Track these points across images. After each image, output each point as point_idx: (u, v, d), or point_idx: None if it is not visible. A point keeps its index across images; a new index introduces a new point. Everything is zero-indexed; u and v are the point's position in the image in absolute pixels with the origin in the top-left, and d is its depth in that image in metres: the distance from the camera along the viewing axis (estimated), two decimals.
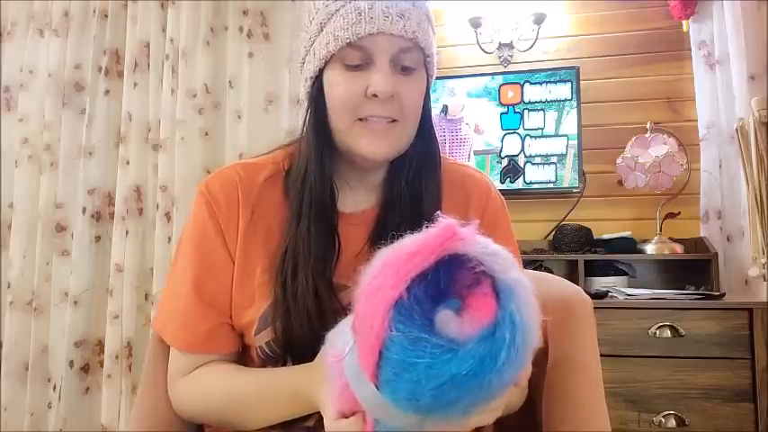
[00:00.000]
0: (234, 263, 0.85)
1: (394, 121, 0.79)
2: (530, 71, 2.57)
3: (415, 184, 0.85)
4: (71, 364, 2.44)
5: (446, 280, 0.54)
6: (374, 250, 0.78)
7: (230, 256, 0.85)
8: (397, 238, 0.79)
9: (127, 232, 2.43)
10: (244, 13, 2.45)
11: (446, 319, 0.52)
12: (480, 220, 0.80)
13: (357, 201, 0.89)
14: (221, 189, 0.86)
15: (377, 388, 0.54)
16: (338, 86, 0.79)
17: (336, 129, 0.81)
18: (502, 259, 0.54)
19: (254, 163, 0.90)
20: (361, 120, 0.79)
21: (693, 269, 2.32)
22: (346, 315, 0.74)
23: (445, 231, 0.53)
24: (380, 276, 0.54)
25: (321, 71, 0.81)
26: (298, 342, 0.79)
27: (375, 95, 0.77)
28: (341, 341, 0.62)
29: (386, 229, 0.81)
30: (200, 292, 0.84)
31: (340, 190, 0.87)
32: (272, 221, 0.85)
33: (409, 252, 0.53)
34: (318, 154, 0.82)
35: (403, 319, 0.52)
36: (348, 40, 0.76)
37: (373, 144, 0.79)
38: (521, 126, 2.54)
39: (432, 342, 0.50)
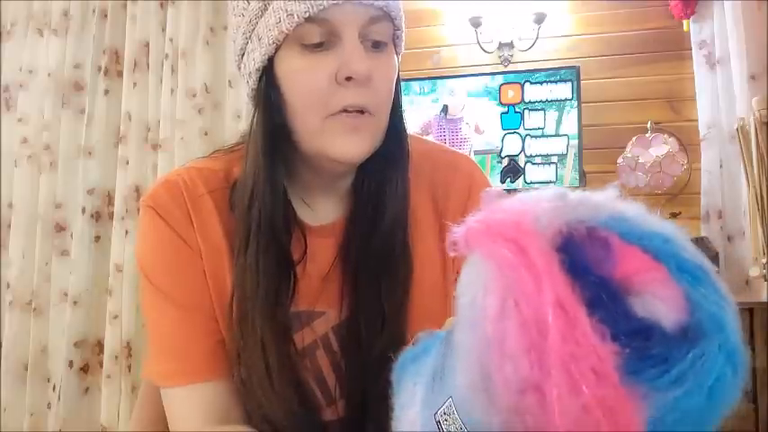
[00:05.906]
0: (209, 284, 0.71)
1: (362, 112, 0.65)
2: (530, 71, 2.57)
3: (380, 188, 0.72)
4: (70, 364, 2.44)
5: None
6: (346, 268, 0.73)
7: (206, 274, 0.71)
8: (365, 253, 0.69)
9: (126, 232, 2.43)
10: None
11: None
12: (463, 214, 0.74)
13: (326, 211, 0.75)
14: (171, 199, 0.71)
15: None
16: (299, 74, 0.64)
17: (301, 130, 0.66)
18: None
19: (198, 168, 0.74)
20: (333, 115, 0.65)
21: None
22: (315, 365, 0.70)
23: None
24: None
25: (271, 59, 0.65)
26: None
27: (349, 79, 0.63)
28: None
29: (356, 242, 0.72)
30: (189, 311, 0.70)
31: (307, 201, 0.73)
32: (215, 245, 0.71)
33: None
34: (268, 166, 0.67)
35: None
36: (306, 14, 0.61)
37: (348, 144, 0.65)
38: (521, 126, 2.54)
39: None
